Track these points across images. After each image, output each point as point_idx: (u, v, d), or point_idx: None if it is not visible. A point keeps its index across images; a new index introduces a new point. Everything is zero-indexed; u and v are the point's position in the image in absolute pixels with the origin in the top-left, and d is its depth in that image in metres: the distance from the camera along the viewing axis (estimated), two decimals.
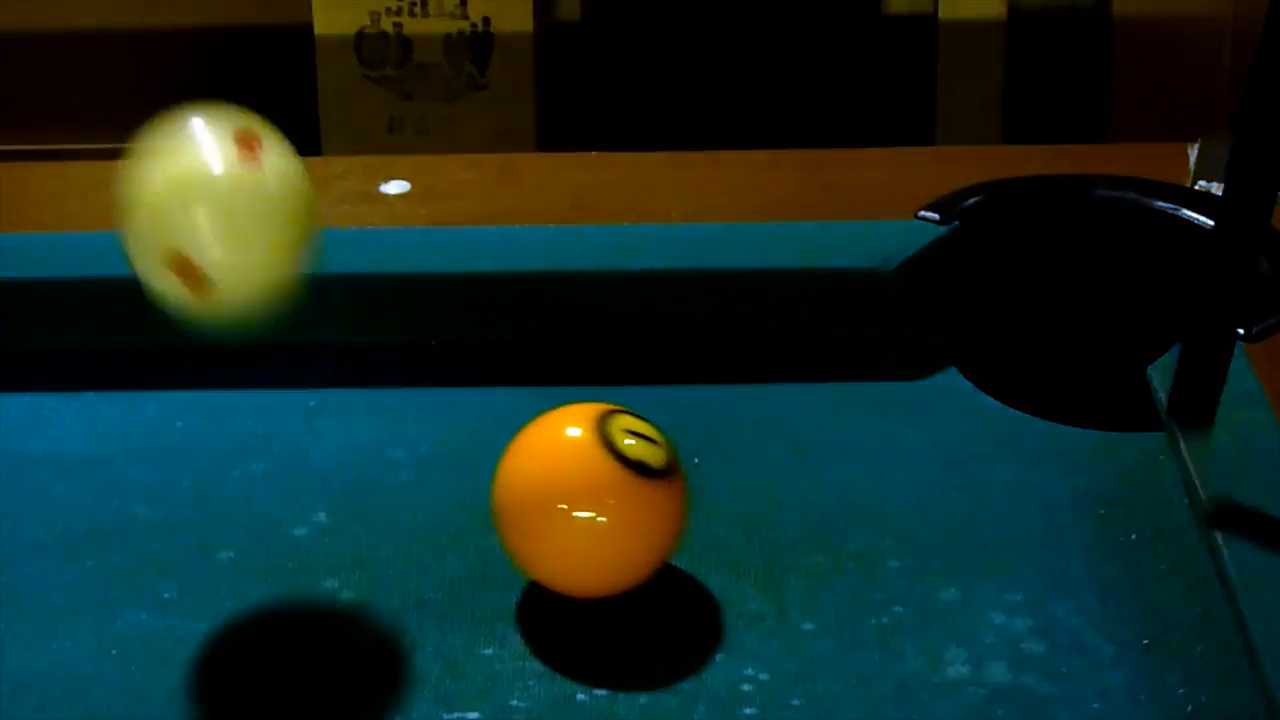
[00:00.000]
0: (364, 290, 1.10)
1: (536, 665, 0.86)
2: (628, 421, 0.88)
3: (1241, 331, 1.02)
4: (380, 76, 2.37)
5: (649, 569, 0.89)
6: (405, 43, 2.35)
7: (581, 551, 0.87)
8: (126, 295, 1.09)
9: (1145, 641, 0.87)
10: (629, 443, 0.87)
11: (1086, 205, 1.16)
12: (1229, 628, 0.85)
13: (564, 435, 0.88)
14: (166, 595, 0.91)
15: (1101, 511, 0.96)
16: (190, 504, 0.98)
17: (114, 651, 0.87)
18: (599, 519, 0.86)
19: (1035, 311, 1.13)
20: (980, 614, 0.89)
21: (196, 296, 0.83)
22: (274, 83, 2.45)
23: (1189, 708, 0.83)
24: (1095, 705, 0.83)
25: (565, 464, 0.87)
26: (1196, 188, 1.19)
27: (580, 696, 0.84)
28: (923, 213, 1.13)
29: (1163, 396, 0.99)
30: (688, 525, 0.90)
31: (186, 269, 0.83)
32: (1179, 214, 1.14)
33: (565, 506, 0.86)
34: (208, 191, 0.83)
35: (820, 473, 1.00)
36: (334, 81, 2.38)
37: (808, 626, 0.88)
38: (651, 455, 0.87)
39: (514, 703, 0.84)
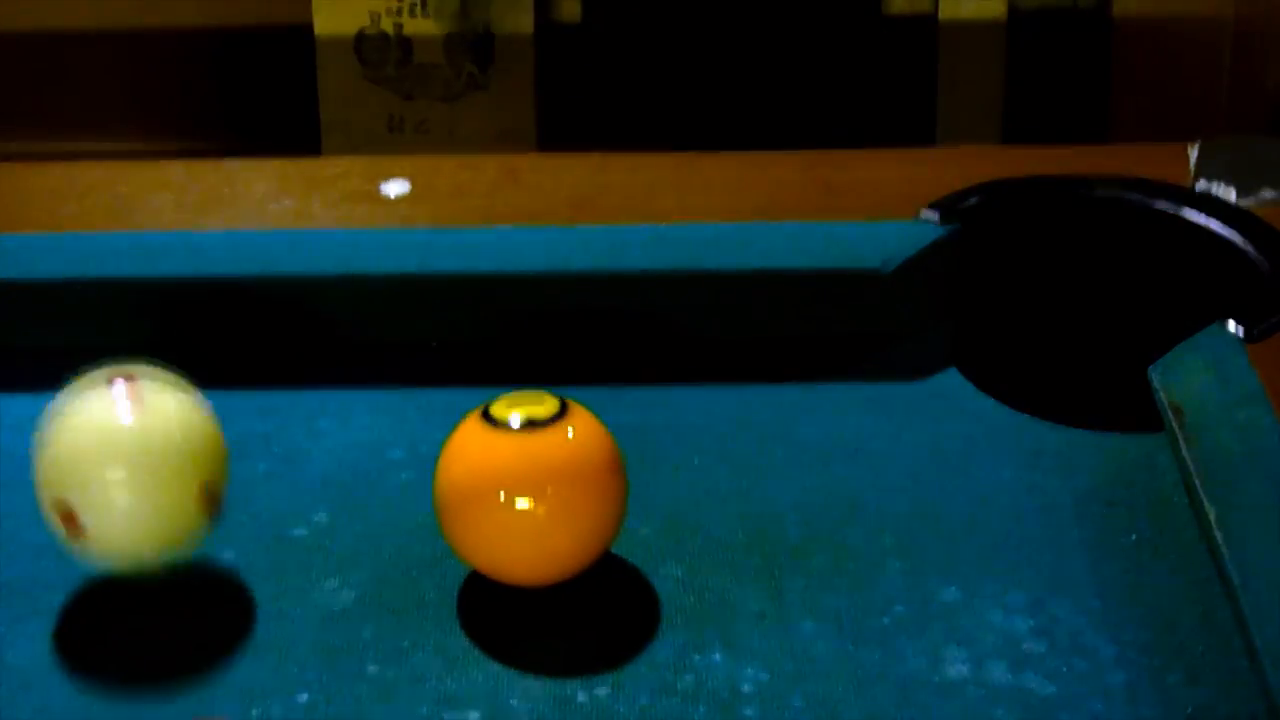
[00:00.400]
0: (364, 290, 1.10)
1: (537, 665, 0.86)
2: (508, 399, 0.89)
3: (1242, 332, 1.02)
4: (380, 77, 2.37)
5: (588, 529, 0.89)
6: (405, 43, 2.35)
7: (510, 530, 0.88)
8: (126, 295, 1.09)
9: (1145, 641, 0.87)
10: (512, 413, 0.88)
11: (1086, 205, 1.16)
12: (1229, 628, 0.85)
13: (458, 435, 0.89)
14: (167, 595, 0.91)
15: (1102, 512, 0.96)
16: None
17: (114, 651, 0.87)
18: (517, 498, 0.87)
19: (1036, 312, 1.13)
20: (980, 614, 0.89)
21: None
22: (274, 83, 2.45)
23: (1189, 708, 0.83)
24: (1095, 705, 0.83)
25: (465, 458, 0.89)
26: (1197, 188, 1.19)
27: (580, 696, 0.84)
28: (923, 213, 1.13)
29: (1163, 396, 0.99)
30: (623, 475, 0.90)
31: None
32: (1179, 214, 1.14)
33: (504, 495, 0.87)
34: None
35: (820, 473, 1.00)
36: (334, 81, 2.37)
37: (808, 626, 0.88)
38: (536, 411, 0.88)
39: (514, 703, 0.84)
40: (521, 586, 0.89)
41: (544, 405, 0.89)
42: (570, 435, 0.88)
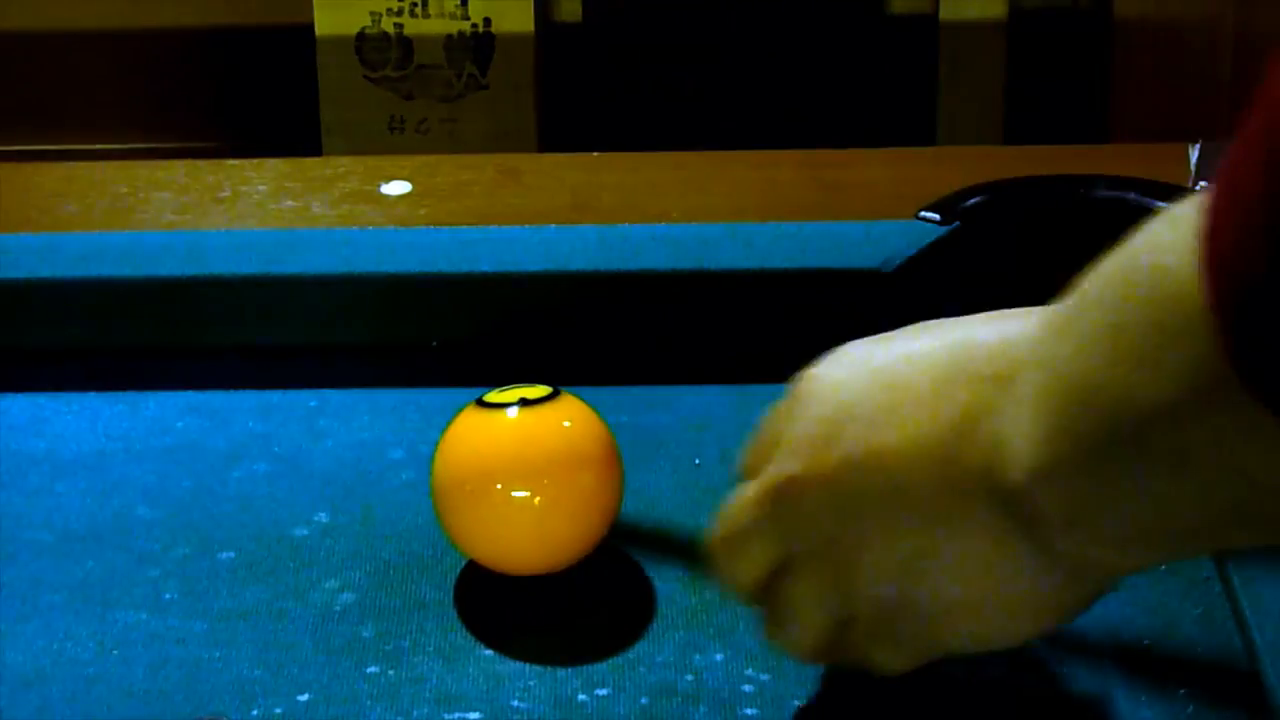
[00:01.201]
0: (365, 290, 1.10)
1: (537, 665, 0.86)
2: (500, 390, 0.90)
3: None
4: (381, 77, 2.37)
5: (587, 509, 0.89)
6: (406, 43, 2.35)
7: (509, 509, 0.88)
8: (126, 295, 1.10)
9: (1145, 641, 0.87)
10: (502, 396, 0.90)
11: (1086, 205, 1.16)
12: (1229, 628, 0.85)
13: (455, 423, 0.90)
14: (166, 595, 0.91)
15: None
16: (190, 504, 0.98)
17: (114, 652, 0.87)
18: (514, 490, 0.88)
19: None
20: None
21: None
22: (274, 83, 2.45)
23: (1189, 708, 0.83)
24: (1095, 705, 0.83)
25: (460, 441, 0.90)
26: (1197, 188, 1.19)
27: (581, 696, 0.84)
28: (923, 213, 1.13)
29: None
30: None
31: None
32: None
33: (500, 485, 0.88)
34: None
35: None
36: (334, 81, 2.38)
37: None
38: (528, 393, 0.89)
39: (515, 703, 0.84)
40: (520, 574, 0.90)
41: (536, 390, 0.90)
42: (564, 409, 0.90)
